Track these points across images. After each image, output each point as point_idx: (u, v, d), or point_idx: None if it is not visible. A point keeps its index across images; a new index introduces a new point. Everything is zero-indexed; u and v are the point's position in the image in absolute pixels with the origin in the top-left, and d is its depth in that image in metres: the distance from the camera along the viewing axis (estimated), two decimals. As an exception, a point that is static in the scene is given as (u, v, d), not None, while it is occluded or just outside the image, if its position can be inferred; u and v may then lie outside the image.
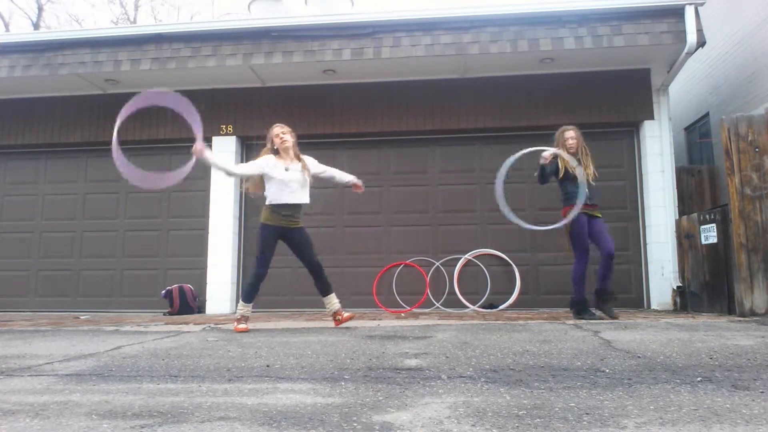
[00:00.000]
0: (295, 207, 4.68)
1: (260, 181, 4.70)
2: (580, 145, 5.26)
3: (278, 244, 4.73)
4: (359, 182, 5.04)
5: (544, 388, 2.20)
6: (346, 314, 4.76)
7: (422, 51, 6.48)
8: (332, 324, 4.84)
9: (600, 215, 5.23)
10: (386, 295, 7.00)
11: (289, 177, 4.60)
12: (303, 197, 4.72)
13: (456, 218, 7.15)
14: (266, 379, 2.53)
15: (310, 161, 4.83)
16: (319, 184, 5.10)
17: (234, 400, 2.13)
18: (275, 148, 4.69)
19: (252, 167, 4.68)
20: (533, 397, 2.06)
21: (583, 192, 4.93)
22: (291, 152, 4.70)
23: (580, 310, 5.23)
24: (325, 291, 4.77)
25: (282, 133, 4.68)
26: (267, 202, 4.67)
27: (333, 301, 4.77)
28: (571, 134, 5.27)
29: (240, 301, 4.72)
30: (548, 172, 5.20)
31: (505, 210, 4.90)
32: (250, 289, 4.68)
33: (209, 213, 7.34)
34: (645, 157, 6.87)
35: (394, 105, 7.22)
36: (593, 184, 5.19)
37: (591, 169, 5.22)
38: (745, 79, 7.53)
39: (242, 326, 4.57)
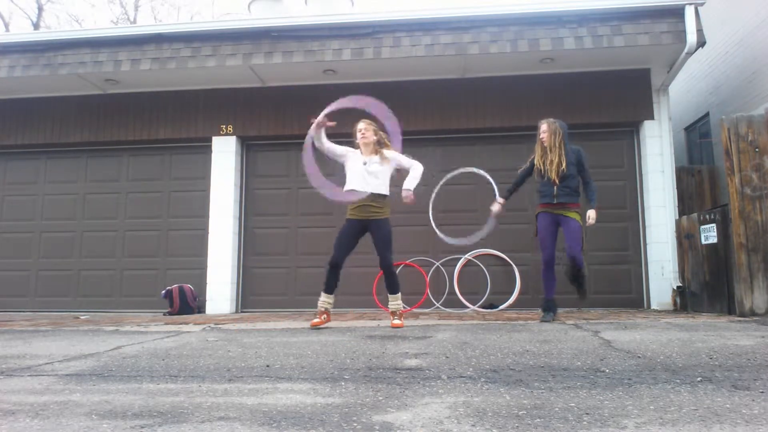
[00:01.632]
0: (368, 195, 4.68)
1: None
2: (552, 138, 4.95)
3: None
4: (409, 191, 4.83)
5: (544, 388, 2.20)
6: (396, 321, 4.75)
7: (422, 51, 6.48)
8: (332, 324, 4.85)
9: (573, 215, 4.93)
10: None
11: (364, 169, 4.68)
12: (377, 187, 4.70)
13: (456, 218, 7.14)
14: (266, 379, 2.53)
15: (392, 154, 4.83)
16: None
17: (234, 400, 2.13)
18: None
19: (340, 149, 4.82)
20: (533, 397, 2.06)
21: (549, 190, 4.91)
22: (371, 147, 4.78)
23: (546, 308, 5.11)
24: (390, 290, 4.87)
25: (364, 129, 4.79)
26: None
27: (393, 302, 4.86)
28: (543, 128, 5.02)
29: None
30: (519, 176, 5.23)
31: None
32: (326, 280, 4.80)
33: (209, 213, 7.33)
34: (645, 157, 6.87)
35: (394, 105, 7.02)
36: (558, 181, 4.87)
37: (555, 165, 4.88)
38: (745, 79, 7.53)
39: (316, 320, 4.69)
